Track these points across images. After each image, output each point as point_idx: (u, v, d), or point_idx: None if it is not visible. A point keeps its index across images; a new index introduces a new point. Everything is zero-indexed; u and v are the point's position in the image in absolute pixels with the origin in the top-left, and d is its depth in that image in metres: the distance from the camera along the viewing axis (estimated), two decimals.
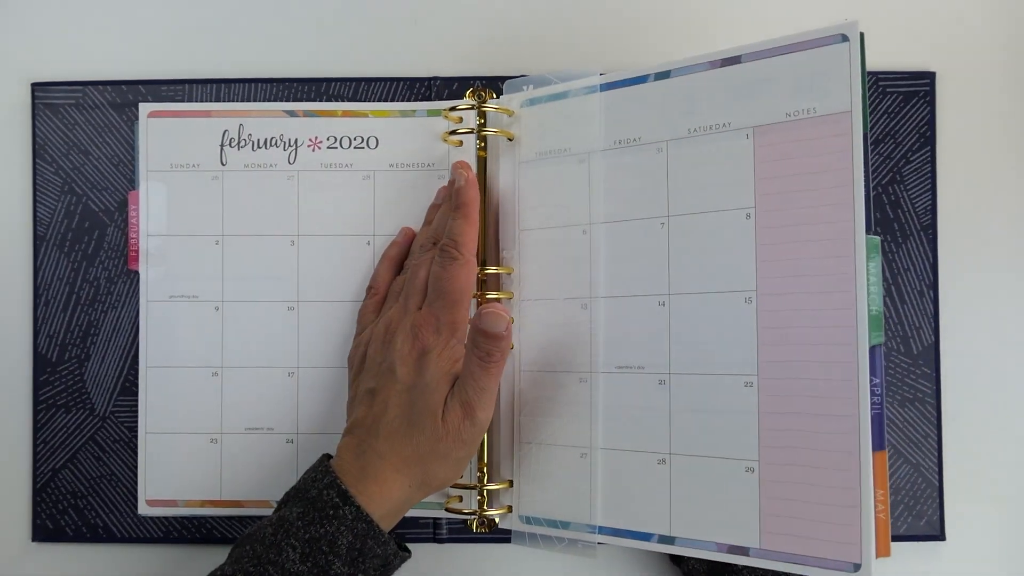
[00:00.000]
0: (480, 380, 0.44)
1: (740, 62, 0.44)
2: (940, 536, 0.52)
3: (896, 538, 0.52)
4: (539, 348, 0.49)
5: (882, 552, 0.40)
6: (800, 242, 0.41)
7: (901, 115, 0.53)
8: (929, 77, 0.53)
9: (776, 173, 0.42)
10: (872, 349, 0.40)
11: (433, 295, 0.46)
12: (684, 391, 0.45)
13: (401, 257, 0.52)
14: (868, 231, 0.40)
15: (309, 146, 0.53)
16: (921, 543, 0.52)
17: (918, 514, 0.52)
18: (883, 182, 0.53)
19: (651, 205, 0.46)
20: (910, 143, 0.53)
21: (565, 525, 0.48)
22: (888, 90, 0.53)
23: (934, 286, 0.53)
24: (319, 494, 0.42)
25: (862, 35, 0.41)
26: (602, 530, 0.47)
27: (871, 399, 0.40)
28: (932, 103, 0.53)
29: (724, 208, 0.44)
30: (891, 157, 0.53)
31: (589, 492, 0.47)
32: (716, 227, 0.44)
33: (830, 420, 0.40)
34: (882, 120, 0.53)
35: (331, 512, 0.42)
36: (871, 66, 0.53)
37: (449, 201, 0.49)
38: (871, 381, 0.40)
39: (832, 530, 0.40)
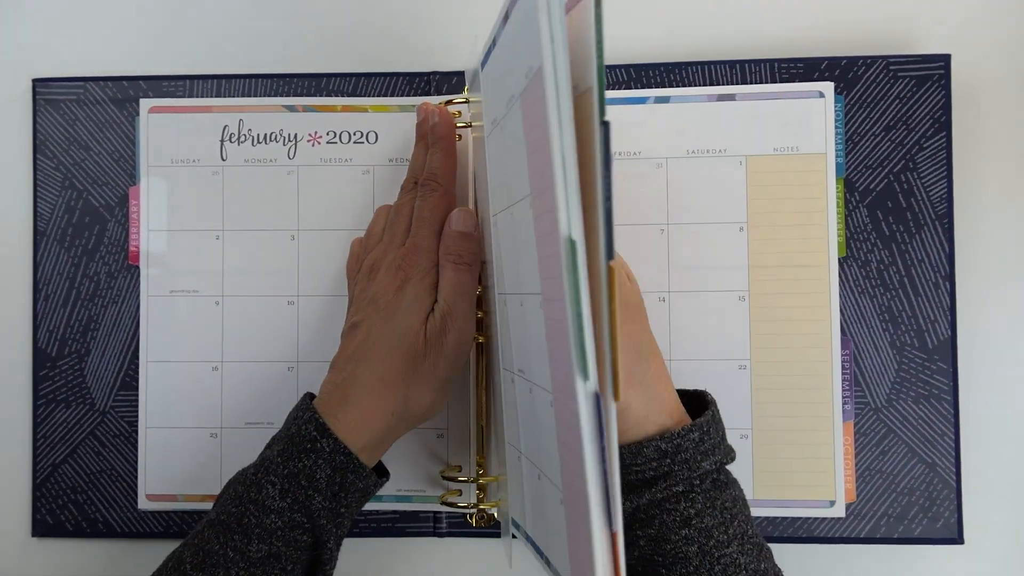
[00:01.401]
0: (457, 284, 0.44)
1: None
2: (958, 540, 0.50)
3: (911, 541, 0.50)
4: (516, 347, 0.47)
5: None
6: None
7: (914, 100, 0.51)
8: (943, 60, 0.51)
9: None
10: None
11: (416, 226, 0.46)
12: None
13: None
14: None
15: (309, 141, 0.53)
16: (938, 547, 0.50)
17: (934, 516, 0.50)
18: (895, 170, 0.51)
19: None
20: (924, 129, 0.51)
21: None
22: (900, 74, 0.51)
23: (950, 278, 0.51)
24: (298, 430, 0.42)
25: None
26: None
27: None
28: (947, 87, 0.51)
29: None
30: (904, 144, 0.51)
31: None
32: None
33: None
34: (894, 105, 0.51)
35: (308, 446, 0.41)
36: (883, 48, 0.53)
37: (424, 140, 0.49)
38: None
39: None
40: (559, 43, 0.30)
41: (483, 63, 0.44)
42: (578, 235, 0.30)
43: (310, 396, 0.45)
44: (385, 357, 0.43)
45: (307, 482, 0.41)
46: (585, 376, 0.30)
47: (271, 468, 0.41)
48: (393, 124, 0.53)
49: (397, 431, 0.44)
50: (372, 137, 0.53)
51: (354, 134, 0.53)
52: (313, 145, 0.53)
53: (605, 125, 0.30)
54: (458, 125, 0.51)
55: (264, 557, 0.40)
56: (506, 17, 0.38)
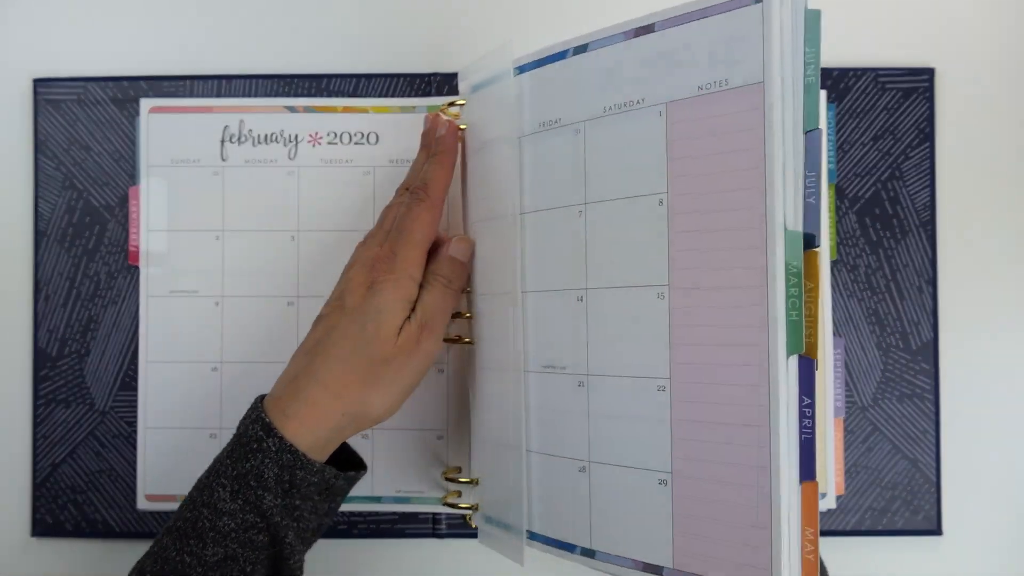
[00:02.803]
0: (440, 303, 0.45)
1: (654, 31, 0.39)
2: (937, 531, 0.52)
3: (893, 533, 0.52)
4: (486, 344, 0.47)
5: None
6: (713, 232, 0.37)
7: (900, 111, 0.53)
8: (928, 73, 0.54)
9: (689, 154, 0.38)
10: (802, 362, 0.35)
11: (395, 232, 0.45)
12: (601, 394, 0.41)
13: None
14: (811, 228, 0.35)
15: (309, 142, 0.54)
16: (918, 538, 0.52)
17: (915, 509, 0.52)
18: (882, 178, 0.53)
19: (569, 192, 0.42)
20: (909, 139, 0.53)
21: (508, 528, 0.45)
22: (887, 86, 0.53)
23: (933, 282, 0.53)
24: (245, 430, 0.42)
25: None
26: (535, 536, 0.44)
27: (802, 422, 0.35)
28: (931, 99, 0.54)
29: (638, 194, 0.39)
30: (890, 153, 0.53)
31: (524, 496, 0.44)
32: (630, 215, 0.39)
33: (741, 431, 0.36)
34: (881, 116, 0.53)
35: (255, 445, 0.41)
36: (870, 62, 0.54)
37: (428, 148, 0.49)
38: (802, 401, 0.35)
39: (743, 553, 0.35)
40: (788, 66, 0.35)
41: (524, 68, 0.45)
42: (799, 228, 0.35)
43: (261, 397, 0.44)
44: (348, 358, 0.43)
45: (256, 482, 0.41)
46: (800, 348, 0.35)
47: (221, 470, 0.41)
48: (394, 125, 0.54)
49: (346, 432, 0.43)
50: (373, 138, 0.54)
51: (355, 135, 0.54)
52: (314, 146, 0.54)
53: (810, 134, 0.35)
54: (460, 127, 0.51)
55: (221, 560, 0.40)
56: (644, 30, 0.40)
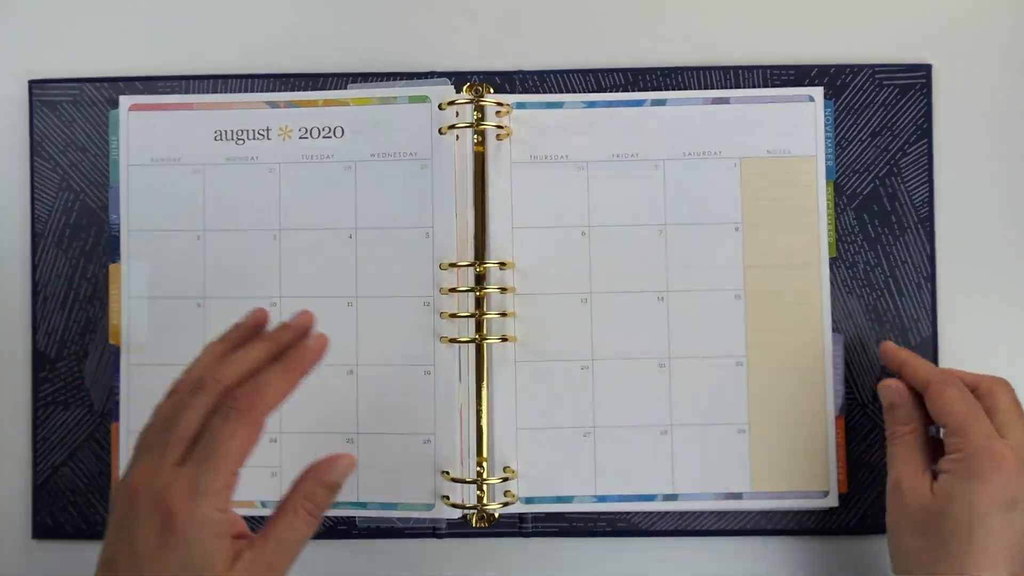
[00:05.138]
0: (302, 536, 0.38)
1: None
2: None
3: None
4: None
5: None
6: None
7: (898, 108, 0.53)
8: (926, 69, 0.54)
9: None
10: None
11: (204, 453, 0.37)
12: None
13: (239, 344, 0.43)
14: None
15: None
16: None
17: None
18: (880, 175, 0.53)
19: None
20: (907, 135, 0.53)
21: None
22: (885, 83, 0.53)
23: (932, 278, 0.53)
24: None
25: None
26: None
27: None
28: (929, 95, 0.53)
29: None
30: (888, 150, 0.53)
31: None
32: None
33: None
34: (879, 113, 0.53)
35: None
36: (867, 58, 0.54)
37: (266, 343, 0.42)
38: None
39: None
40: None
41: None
42: None
43: None
44: None
45: None
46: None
47: None
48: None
49: None
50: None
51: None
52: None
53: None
54: (458, 125, 0.51)
55: None
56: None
